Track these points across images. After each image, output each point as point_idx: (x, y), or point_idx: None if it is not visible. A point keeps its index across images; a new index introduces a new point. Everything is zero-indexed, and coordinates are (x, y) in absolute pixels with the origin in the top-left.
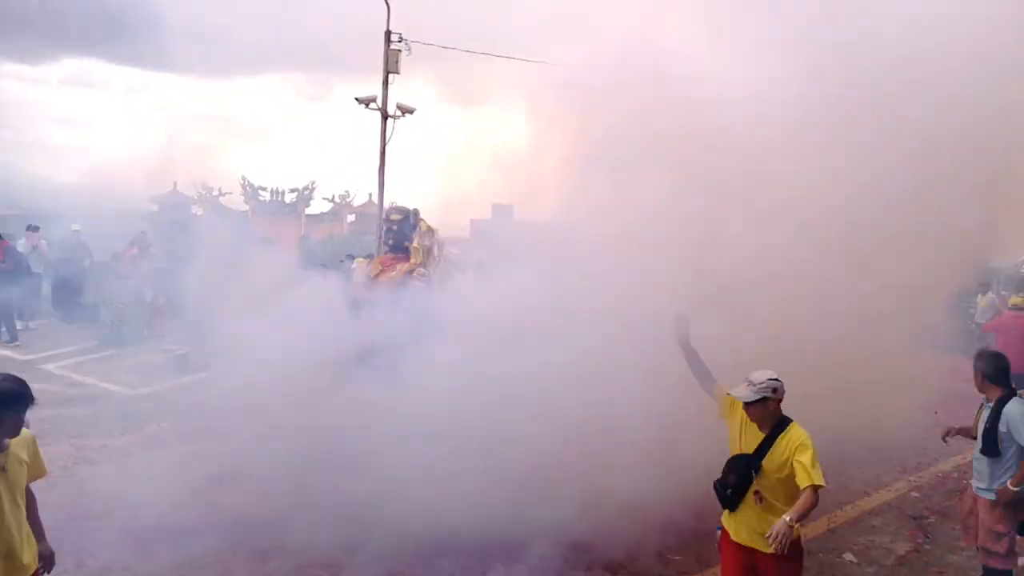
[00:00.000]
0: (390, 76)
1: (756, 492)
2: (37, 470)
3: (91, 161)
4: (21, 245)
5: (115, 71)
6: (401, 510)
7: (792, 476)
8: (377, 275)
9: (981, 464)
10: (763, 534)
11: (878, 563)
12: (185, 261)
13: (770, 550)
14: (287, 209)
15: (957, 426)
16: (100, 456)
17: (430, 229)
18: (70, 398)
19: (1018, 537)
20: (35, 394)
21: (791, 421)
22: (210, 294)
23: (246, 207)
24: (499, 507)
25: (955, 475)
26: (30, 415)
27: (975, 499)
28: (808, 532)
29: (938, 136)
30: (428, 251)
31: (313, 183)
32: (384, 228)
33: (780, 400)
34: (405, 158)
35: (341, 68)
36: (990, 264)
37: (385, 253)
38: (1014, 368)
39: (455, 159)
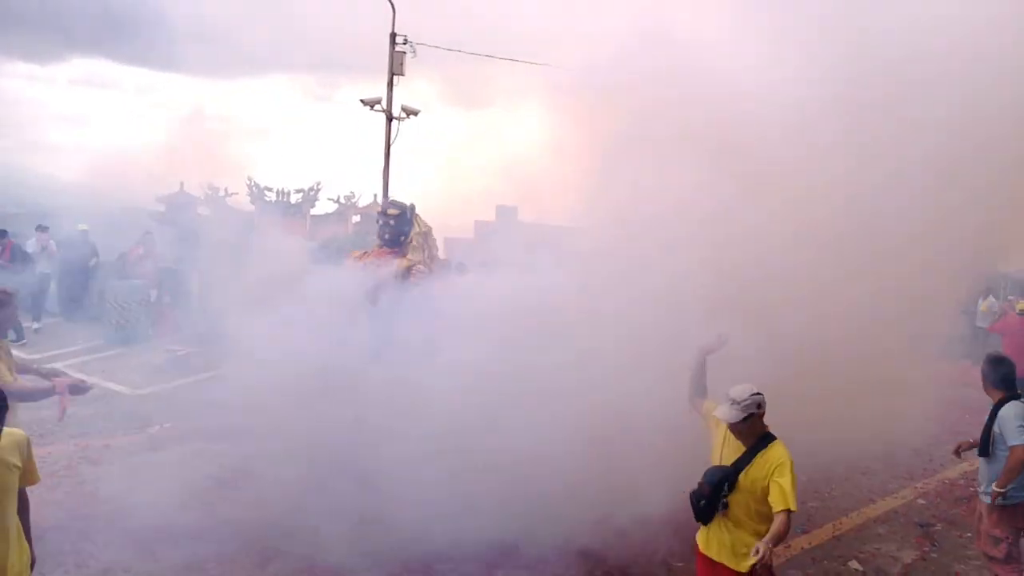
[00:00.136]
0: (395, 78)
1: (724, 503)
2: (29, 476)
3: (98, 161)
4: (31, 245)
5: (123, 71)
6: (402, 514)
7: (766, 495)
8: (361, 256)
9: (982, 467)
10: (732, 549)
11: (884, 571)
12: (191, 261)
13: (741, 568)
14: (292, 210)
15: (970, 439)
16: (103, 456)
17: (427, 225)
18: (74, 398)
19: None
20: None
21: (774, 438)
22: (220, 294)
23: (252, 207)
24: (502, 513)
25: (962, 482)
26: (33, 415)
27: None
28: (813, 540)
29: (948, 137)
30: (424, 248)
31: (318, 184)
32: (380, 222)
33: (763, 414)
34: (410, 160)
35: (347, 70)
36: (997, 269)
37: (380, 247)
38: (1020, 371)
39: (460, 161)
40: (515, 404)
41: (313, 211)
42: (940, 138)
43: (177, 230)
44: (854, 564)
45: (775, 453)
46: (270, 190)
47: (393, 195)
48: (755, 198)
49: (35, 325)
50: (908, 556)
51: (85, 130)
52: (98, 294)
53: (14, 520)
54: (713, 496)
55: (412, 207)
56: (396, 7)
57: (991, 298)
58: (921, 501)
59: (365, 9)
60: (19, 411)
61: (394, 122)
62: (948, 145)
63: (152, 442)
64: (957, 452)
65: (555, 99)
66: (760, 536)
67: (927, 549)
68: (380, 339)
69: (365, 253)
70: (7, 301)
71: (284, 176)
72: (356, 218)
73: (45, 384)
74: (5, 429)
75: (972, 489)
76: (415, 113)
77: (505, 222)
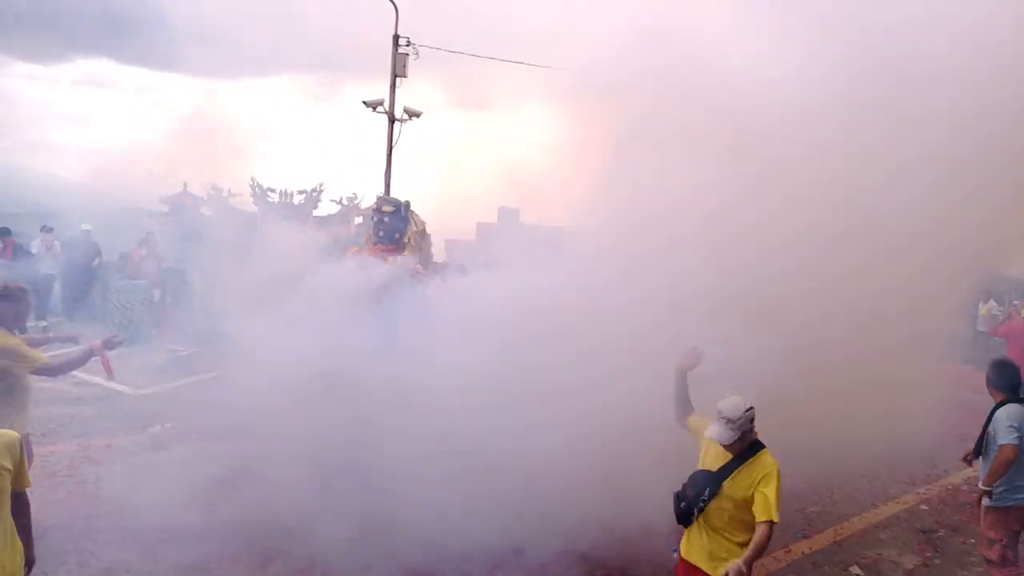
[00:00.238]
0: (397, 80)
1: (701, 508)
2: (20, 480)
3: (101, 161)
4: (36, 245)
5: (126, 71)
6: (403, 515)
7: (749, 504)
8: (355, 252)
9: (980, 469)
10: (710, 554)
11: None
12: (194, 262)
13: (716, 574)
14: (295, 211)
15: None
16: (104, 456)
17: (422, 223)
18: (77, 397)
19: None
20: (43, 392)
21: (762, 446)
22: (222, 294)
23: (255, 208)
24: (504, 515)
25: (965, 488)
26: (38, 414)
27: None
28: (814, 545)
29: (949, 136)
30: (419, 248)
31: (321, 185)
32: (375, 220)
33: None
34: (412, 161)
35: (350, 71)
36: (1000, 273)
37: (375, 244)
38: None
39: (462, 162)
40: (517, 405)
41: (316, 212)
42: (941, 136)
43: (180, 230)
44: (855, 570)
45: (762, 462)
46: (273, 191)
47: (395, 196)
48: (758, 196)
49: (42, 324)
50: (910, 562)
51: (88, 130)
52: (101, 294)
53: (9, 522)
54: (694, 500)
55: (407, 204)
56: (399, 9)
57: (991, 302)
58: (924, 507)
59: (369, 11)
60: (28, 408)
61: (396, 124)
62: (949, 144)
63: (154, 442)
64: (966, 459)
65: (558, 99)
66: (740, 544)
67: (929, 555)
68: (384, 339)
69: (359, 250)
70: (21, 296)
71: (287, 177)
72: (359, 219)
73: (81, 350)
74: None
75: (975, 495)
76: (417, 115)
77: (507, 224)
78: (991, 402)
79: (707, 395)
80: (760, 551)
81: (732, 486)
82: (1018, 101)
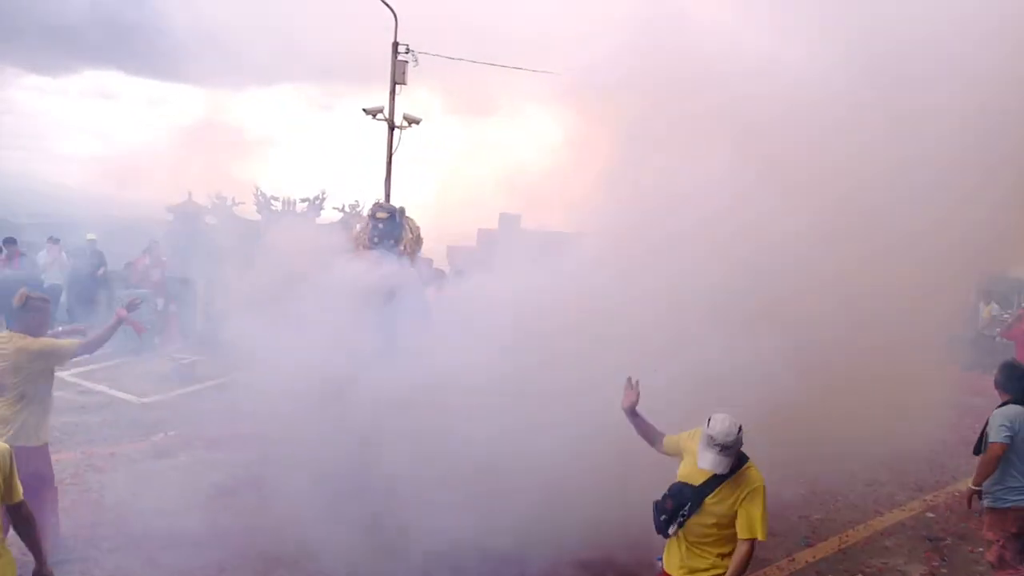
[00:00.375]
0: (397, 87)
1: (680, 522)
2: (10, 493)
3: (107, 171)
4: (43, 256)
5: (133, 82)
6: (403, 524)
7: (732, 519)
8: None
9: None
10: (689, 568)
11: None
12: (198, 271)
13: None
14: (298, 219)
15: None
16: (108, 463)
17: (417, 228)
18: (82, 405)
19: None
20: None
21: (747, 460)
22: (225, 302)
23: (259, 216)
24: (506, 523)
25: None
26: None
27: None
28: (818, 553)
29: (950, 132)
30: (414, 253)
31: (323, 193)
32: (369, 225)
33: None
34: (412, 168)
35: (352, 79)
36: (1002, 274)
37: (369, 250)
38: None
39: (463, 169)
40: (522, 409)
41: (318, 220)
42: (941, 134)
43: (184, 239)
44: None
45: (748, 478)
46: (276, 199)
47: (395, 203)
48: (758, 195)
49: (48, 332)
50: (916, 571)
51: (94, 141)
52: (106, 303)
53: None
54: (673, 515)
55: (402, 210)
56: (399, 17)
57: (993, 304)
58: (930, 514)
59: (370, 19)
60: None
61: (396, 131)
62: (949, 142)
63: (157, 450)
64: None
65: (559, 102)
66: (721, 556)
67: (936, 564)
68: (391, 341)
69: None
70: (43, 306)
71: (290, 185)
72: (359, 227)
73: (109, 324)
74: None
75: (967, 493)
76: (417, 122)
77: (508, 230)
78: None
79: (707, 399)
80: (741, 570)
81: (715, 502)
82: (1020, 99)
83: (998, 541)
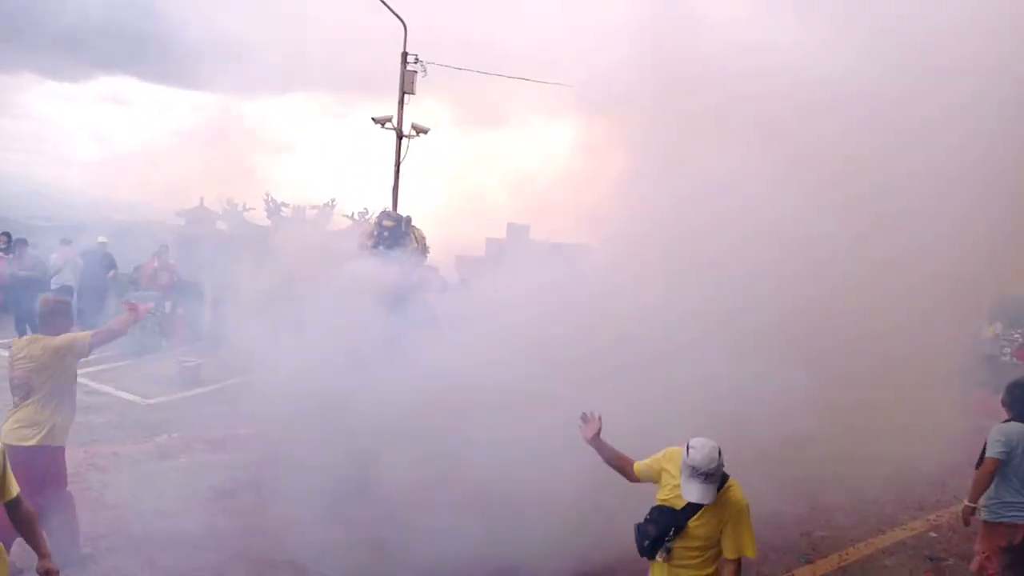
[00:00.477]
0: (406, 96)
1: (668, 548)
2: (5, 490)
3: (120, 175)
4: (55, 258)
5: (147, 88)
6: (405, 532)
7: (717, 540)
8: None
9: None
10: None
11: None
12: (205, 274)
13: None
14: (308, 226)
15: None
16: (110, 463)
17: (423, 236)
18: (88, 406)
19: None
20: None
21: (727, 478)
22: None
23: (268, 222)
24: (505, 533)
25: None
26: None
27: None
28: (817, 570)
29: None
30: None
31: (333, 200)
32: (375, 233)
33: None
34: (421, 177)
35: (364, 88)
36: (1006, 294)
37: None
38: None
39: (471, 179)
40: (522, 422)
41: (328, 227)
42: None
43: (193, 243)
44: None
45: (731, 500)
46: (286, 206)
47: (402, 211)
48: (782, 192)
49: None
50: None
51: (108, 145)
52: (116, 305)
53: None
54: (657, 540)
55: (408, 219)
56: (408, 26)
57: (997, 323)
58: (932, 534)
59: (381, 29)
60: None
61: (404, 140)
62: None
63: (160, 451)
64: None
65: (572, 111)
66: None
67: None
68: (394, 345)
69: None
70: (66, 309)
71: (300, 192)
72: (364, 232)
73: (122, 318)
74: None
75: (966, 508)
76: (425, 131)
77: (516, 240)
78: None
79: (714, 416)
80: None
81: (699, 525)
82: None
83: (983, 553)
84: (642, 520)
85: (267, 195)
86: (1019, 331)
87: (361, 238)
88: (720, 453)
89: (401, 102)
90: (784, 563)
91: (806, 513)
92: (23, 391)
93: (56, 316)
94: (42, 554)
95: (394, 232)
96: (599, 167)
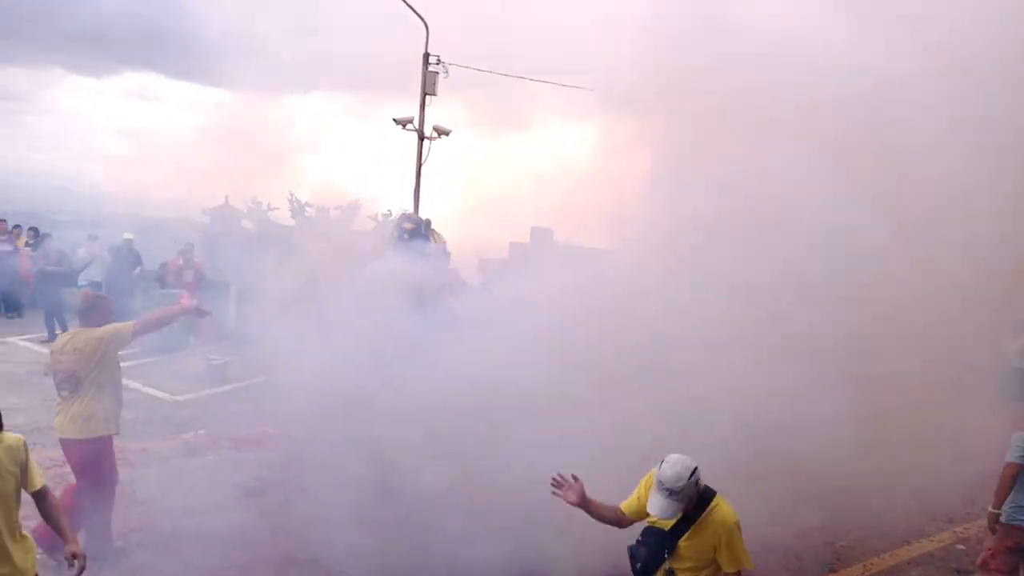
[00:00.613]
0: (428, 98)
1: (669, 571)
2: (28, 481)
3: (145, 171)
4: (82, 253)
5: (172, 85)
6: (427, 533)
7: (709, 561)
8: None
9: None
10: None
11: None
12: (231, 273)
13: None
14: (332, 226)
15: None
16: (139, 459)
17: (443, 240)
18: None
19: None
20: None
21: (714, 495)
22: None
23: (293, 222)
24: (526, 534)
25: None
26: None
27: None
28: None
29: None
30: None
31: (357, 201)
32: (396, 235)
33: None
34: (443, 179)
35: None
36: None
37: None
38: None
39: (494, 181)
40: (540, 424)
41: (352, 227)
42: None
43: (219, 241)
44: None
45: (720, 518)
46: (310, 206)
47: (424, 213)
48: (810, 188)
49: None
50: None
51: (134, 142)
52: (142, 302)
53: (15, 520)
54: (650, 563)
55: (428, 222)
56: (430, 27)
57: None
58: (960, 546)
59: (405, 29)
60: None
61: (426, 141)
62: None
63: (187, 448)
64: None
65: (597, 112)
66: None
67: None
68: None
69: None
70: (104, 304)
71: (323, 192)
72: (384, 231)
73: (170, 309)
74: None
75: (989, 515)
76: (446, 133)
77: (540, 243)
78: None
79: (740, 419)
80: None
81: (689, 545)
82: None
83: (989, 549)
84: (634, 542)
85: (291, 195)
86: None
87: (381, 240)
88: (694, 474)
89: (423, 103)
90: (807, 572)
91: (830, 522)
92: (71, 384)
93: (97, 311)
94: (67, 540)
95: (414, 234)
96: (624, 168)
